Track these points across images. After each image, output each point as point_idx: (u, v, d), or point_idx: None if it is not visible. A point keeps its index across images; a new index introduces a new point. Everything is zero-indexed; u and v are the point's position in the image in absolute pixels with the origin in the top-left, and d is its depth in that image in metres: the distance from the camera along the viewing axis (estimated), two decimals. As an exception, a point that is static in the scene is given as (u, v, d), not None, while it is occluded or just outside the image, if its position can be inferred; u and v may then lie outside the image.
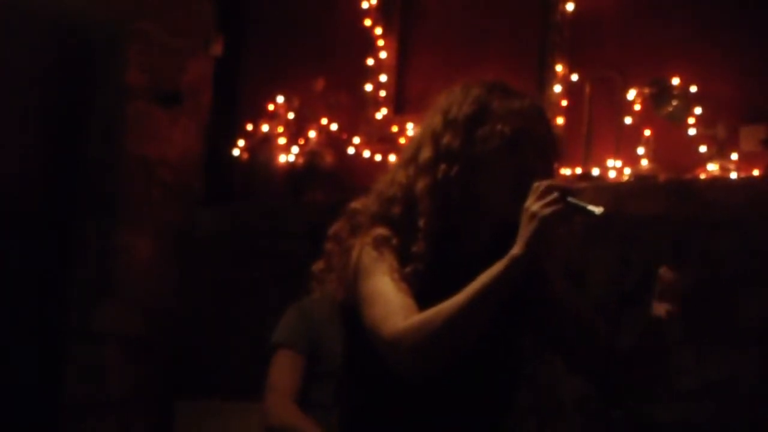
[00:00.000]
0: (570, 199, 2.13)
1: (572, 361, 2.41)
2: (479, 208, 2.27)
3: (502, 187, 2.24)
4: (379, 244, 2.25)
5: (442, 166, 2.26)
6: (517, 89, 2.34)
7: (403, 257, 2.23)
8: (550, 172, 2.27)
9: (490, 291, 2.11)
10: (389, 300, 2.17)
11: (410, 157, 2.34)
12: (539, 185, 2.14)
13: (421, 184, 2.27)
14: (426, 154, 2.30)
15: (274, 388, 3.52)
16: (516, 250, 2.11)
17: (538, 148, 2.27)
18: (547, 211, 2.10)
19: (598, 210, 2.13)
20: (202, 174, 5.56)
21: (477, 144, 2.26)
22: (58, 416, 5.22)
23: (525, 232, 2.11)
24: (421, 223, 2.25)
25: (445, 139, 2.28)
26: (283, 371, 3.53)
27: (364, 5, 5.39)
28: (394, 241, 2.25)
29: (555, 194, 2.12)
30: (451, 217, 2.26)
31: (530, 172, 2.21)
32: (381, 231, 2.27)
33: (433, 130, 2.31)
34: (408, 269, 2.22)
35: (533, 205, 2.12)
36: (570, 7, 4.83)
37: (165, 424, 5.24)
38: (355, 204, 2.36)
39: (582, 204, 2.14)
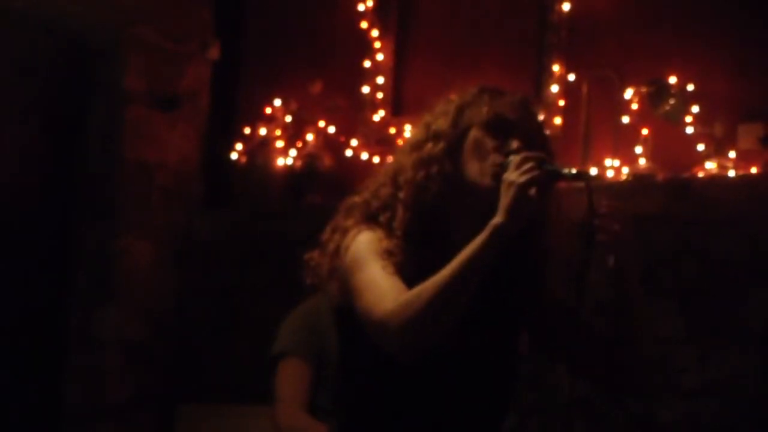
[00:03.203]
0: (545, 165, 2.20)
1: (569, 359, 2.43)
2: (461, 187, 2.32)
3: (482, 166, 2.31)
4: (371, 228, 2.32)
5: (428, 145, 2.36)
6: (510, 91, 2.43)
7: (390, 232, 2.31)
8: None
9: (474, 262, 2.16)
10: (379, 285, 2.23)
11: (402, 146, 2.46)
12: (515, 158, 2.22)
13: (406, 161, 2.37)
14: (416, 137, 2.41)
15: (282, 398, 3.52)
16: (497, 218, 2.17)
17: (524, 139, 2.32)
18: (524, 178, 2.17)
19: (571, 171, 2.23)
20: (200, 178, 5.57)
21: (462, 123, 2.35)
22: (59, 421, 5.22)
23: (504, 200, 2.17)
24: (401, 195, 2.33)
25: (436, 124, 2.39)
26: (291, 380, 3.53)
27: (361, 7, 5.39)
28: (383, 219, 2.33)
29: (531, 163, 2.18)
30: (432, 192, 2.32)
31: (511, 153, 2.27)
32: (372, 213, 2.34)
33: (426, 121, 2.42)
34: (392, 242, 2.28)
35: (511, 174, 2.19)
36: (566, 7, 4.84)
37: (166, 428, 5.25)
38: (352, 197, 2.42)
39: (556, 168, 2.23)
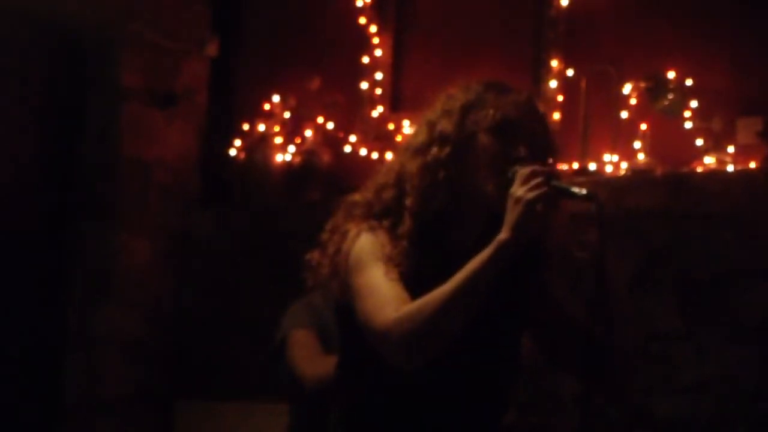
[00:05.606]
0: (554, 182, 2.17)
1: (563, 358, 2.42)
2: (466, 192, 2.30)
3: (488, 173, 2.28)
4: (372, 229, 2.29)
5: (434, 149, 2.32)
6: (514, 87, 2.39)
7: (393, 239, 2.28)
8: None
9: (478, 277, 2.14)
10: (381, 292, 2.21)
11: (405, 146, 2.41)
12: (524, 171, 2.19)
13: (411, 166, 2.33)
14: (420, 139, 2.36)
15: (298, 356, 3.41)
16: (502, 234, 2.15)
17: (530, 142, 2.30)
18: (532, 194, 2.15)
19: (581, 191, 2.19)
20: (198, 175, 5.56)
21: (468, 127, 2.31)
22: (58, 418, 5.22)
23: (511, 216, 2.15)
24: (407, 202, 2.30)
25: (440, 126, 2.34)
26: (302, 345, 3.42)
27: (359, 3, 5.38)
28: (386, 224, 2.30)
29: (539, 179, 2.16)
30: (439, 199, 2.29)
31: (518, 162, 2.24)
32: (374, 215, 2.31)
33: (430, 120, 2.37)
34: (396, 249, 2.25)
35: (518, 189, 2.16)
36: (565, 2, 4.83)
37: (164, 425, 5.25)
38: (353, 196, 2.40)
39: (566, 186, 2.20)
